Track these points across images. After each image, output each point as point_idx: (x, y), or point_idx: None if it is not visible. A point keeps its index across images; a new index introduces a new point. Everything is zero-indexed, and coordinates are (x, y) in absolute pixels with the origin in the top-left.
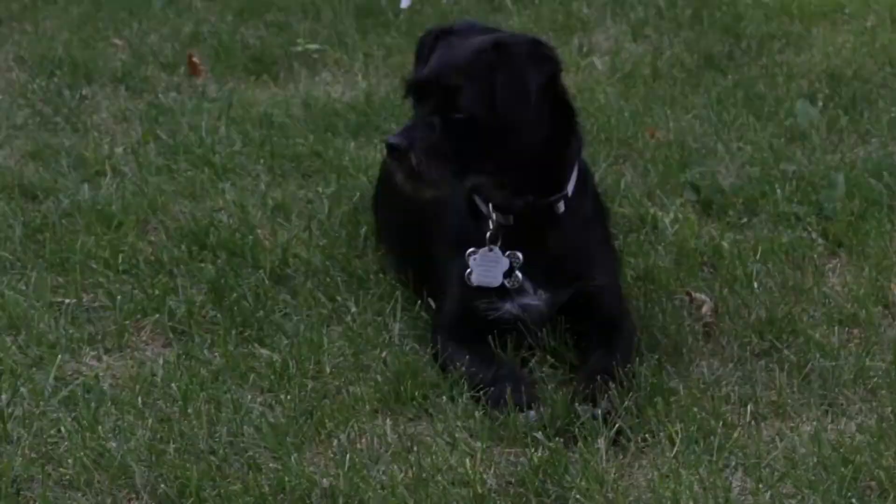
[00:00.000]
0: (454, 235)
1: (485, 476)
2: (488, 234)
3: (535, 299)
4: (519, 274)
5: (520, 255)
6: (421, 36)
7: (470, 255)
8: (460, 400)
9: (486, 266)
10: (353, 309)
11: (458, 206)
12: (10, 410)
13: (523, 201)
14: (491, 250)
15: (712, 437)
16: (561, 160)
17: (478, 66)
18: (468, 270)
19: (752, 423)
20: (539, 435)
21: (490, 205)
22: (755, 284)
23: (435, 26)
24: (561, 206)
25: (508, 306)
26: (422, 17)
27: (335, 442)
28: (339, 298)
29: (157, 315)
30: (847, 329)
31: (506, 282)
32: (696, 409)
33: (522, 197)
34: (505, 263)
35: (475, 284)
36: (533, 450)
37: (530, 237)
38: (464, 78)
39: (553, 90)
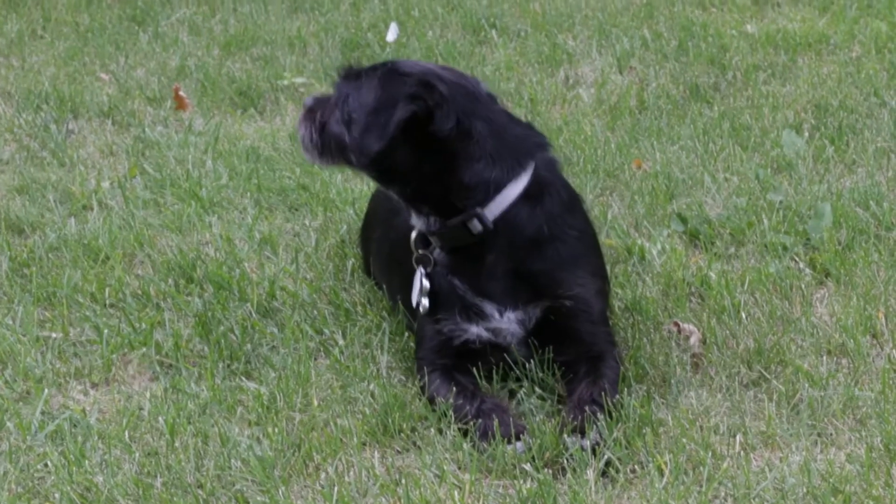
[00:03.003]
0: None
1: None
2: (413, 256)
3: (502, 322)
4: (425, 300)
5: (427, 284)
6: None
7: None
8: (448, 432)
9: (414, 285)
10: (341, 341)
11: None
12: None
13: (434, 220)
14: (417, 270)
15: (701, 468)
16: (450, 189)
17: (369, 76)
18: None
19: (742, 453)
20: (528, 466)
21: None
22: (743, 315)
23: None
24: (476, 226)
25: (475, 329)
26: (408, 51)
27: (323, 475)
28: (326, 331)
29: (144, 349)
30: (835, 359)
31: (420, 303)
32: (684, 440)
33: (425, 217)
34: (417, 285)
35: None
36: (521, 481)
37: (469, 259)
38: (364, 80)
39: (420, 132)
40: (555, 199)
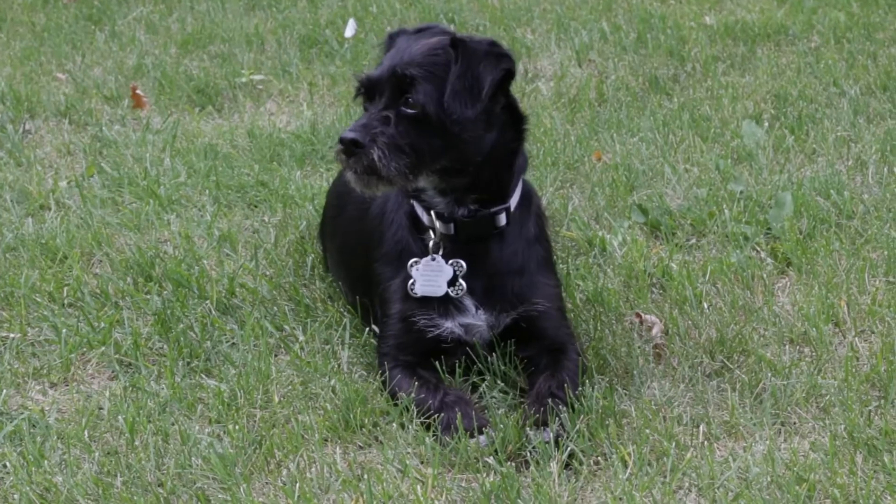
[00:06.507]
0: (391, 256)
1: (436, 502)
2: (430, 243)
3: (476, 319)
4: (463, 283)
5: (463, 263)
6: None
7: (412, 265)
8: (410, 427)
9: (429, 276)
10: (301, 337)
11: (396, 226)
12: None
13: (465, 210)
14: (433, 259)
15: (665, 459)
16: (507, 170)
17: (432, 61)
18: (411, 281)
19: (705, 443)
20: (490, 460)
21: (432, 214)
22: (705, 305)
23: (395, 29)
24: (502, 219)
25: (449, 324)
26: (366, 47)
27: (284, 471)
28: (286, 327)
29: (103, 348)
30: (798, 347)
31: (450, 290)
32: (648, 431)
33: (464, 206)
34: (448, 272)
35: (419, 295)
36: (485, 475)
37: (472, 250)
38: (418, 71)
39: (505, 93)
40: (537, 201)
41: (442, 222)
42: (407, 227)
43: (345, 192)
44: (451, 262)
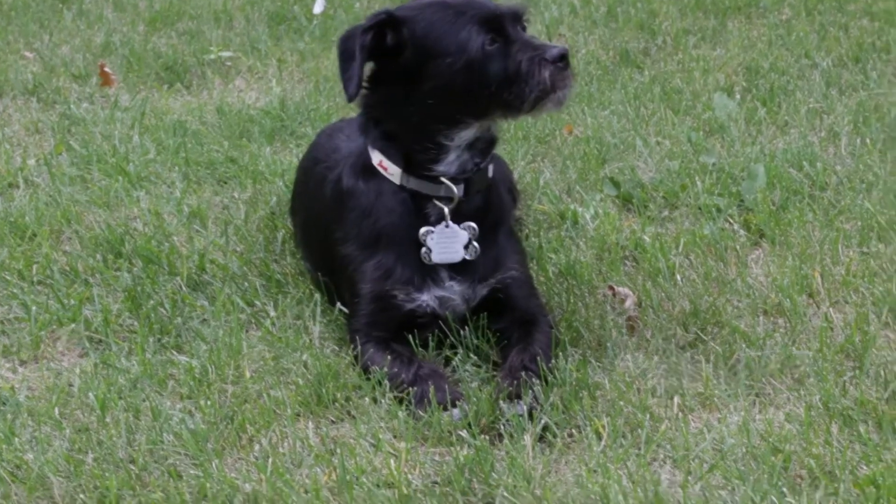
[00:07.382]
0: (366, 241)
1: (410, 476)
2: (446, 210)
3: (450, 292)
4: (476, 244)
5: (474, 225)
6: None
7: (425, 235)
8: (383, 401)
9: (445, 243)
10: (272, 313)
11: (377, 215)
12: None
13: (473, 163)
14: (447, 226)
15: (639, 431)
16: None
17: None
18: (424, 250)
19: (680, 415)
20: (464, 433)
21: (444, 181)
22: (678, 277)
23: None
24: (490, 170)
25: (425, 297)
26: (335, 23)
27: (257, 447)
28: (257, 303)
29: (73, 325)
30: (772, 318)
31: (466, 255)
32: (622, 403)
33: (475, 158)
34: (464, 236)
35: (435, 262)
36: (458, 448)
37: (472, 209)
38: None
39: None
40: (501, 163)
41: (455, 185)
42: (400, 213)
43: (309, 168)
44: (462, 225)
